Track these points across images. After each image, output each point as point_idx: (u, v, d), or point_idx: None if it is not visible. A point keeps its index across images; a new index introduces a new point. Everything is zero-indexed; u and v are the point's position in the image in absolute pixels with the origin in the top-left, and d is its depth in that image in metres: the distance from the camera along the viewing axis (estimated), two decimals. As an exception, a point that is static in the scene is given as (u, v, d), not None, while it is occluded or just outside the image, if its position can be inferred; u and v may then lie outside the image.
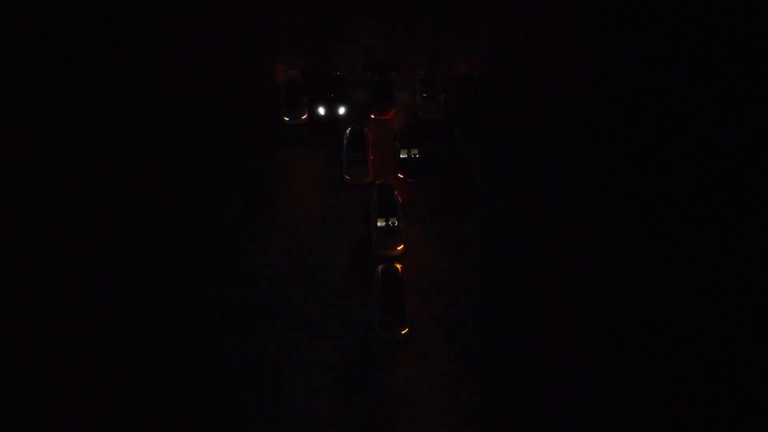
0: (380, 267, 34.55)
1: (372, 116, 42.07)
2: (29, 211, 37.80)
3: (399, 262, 35.00)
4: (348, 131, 40.14)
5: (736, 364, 32.55)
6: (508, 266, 35.96)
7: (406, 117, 42.39)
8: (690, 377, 32.23)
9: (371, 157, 39.46)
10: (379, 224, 35.95)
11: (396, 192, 37.32)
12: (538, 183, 39.35)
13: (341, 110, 41.64)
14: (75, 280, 35.16)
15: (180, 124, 41.93)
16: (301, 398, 31.53)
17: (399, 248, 35.72)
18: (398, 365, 32.56)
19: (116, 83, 43.51)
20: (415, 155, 39.26)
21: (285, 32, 46.25)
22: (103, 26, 46.16)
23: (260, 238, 37.07)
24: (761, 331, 33.49)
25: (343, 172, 38.94)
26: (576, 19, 47.11)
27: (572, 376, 32.17)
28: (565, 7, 47.56)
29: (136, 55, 44.86)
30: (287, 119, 41.40)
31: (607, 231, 37.31)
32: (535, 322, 33.88)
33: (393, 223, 35.89)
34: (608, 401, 31.47)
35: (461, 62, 44.75)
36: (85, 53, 44.87)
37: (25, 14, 46.52)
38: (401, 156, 39.29)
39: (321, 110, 41.54)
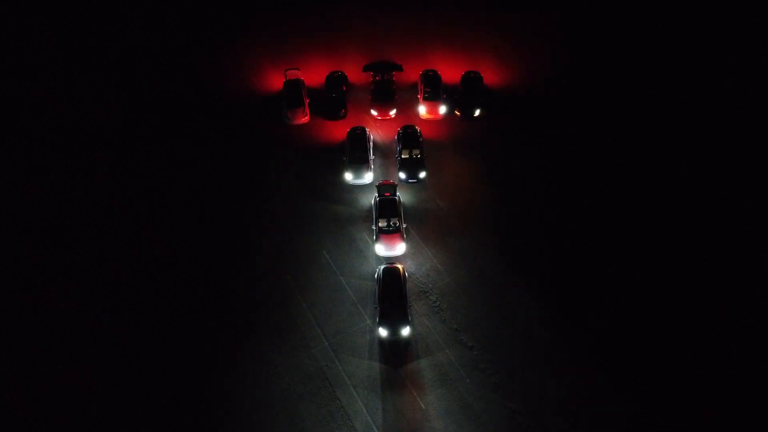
0: (381, 267, 34.67)
1: (377, 116, 42.19)
2: (30, 210, 37.97)
3: (400, 262, 35.16)
4: (349, 131, 40.17)
5: (736, 365, 32.81)
6: (507, 265, 36.15)
7: (407, 117, 42.55)
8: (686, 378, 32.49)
9: (372, 157, 39.52)
10: (380, 224, 36.04)
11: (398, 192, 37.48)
12: (539, 181, 39.51)
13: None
14: (74, 281, 35.35)
15: (180, 124, 42.02)
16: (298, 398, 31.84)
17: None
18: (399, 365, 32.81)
19: (115, 84, 43.67)
20: (416, 155, 39.31)
21: (286, 32, 46.36)
22: (103, 25, 46.25)
23: (260, 238, 37.19)
24: (761, 331, 33.73)
25: (345, 172, 39.03)
26: (576, 18, 47.31)
27: (574, 371, 32.41)
28: (565, 7, 47.78)
29: (136, 55, 45.00)
30: (288, 119, 41.46)
31: (607, 230, 37.48)
32: (536, 318, 34.14)
33: (394, 224, 35.98)
34: (607, 401, 31.69)
35: (462, 62, 44.82)
36: (85, 53, 45.04)
37: (24, 14, 46.57)
38: (402, 156, 39.37)
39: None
